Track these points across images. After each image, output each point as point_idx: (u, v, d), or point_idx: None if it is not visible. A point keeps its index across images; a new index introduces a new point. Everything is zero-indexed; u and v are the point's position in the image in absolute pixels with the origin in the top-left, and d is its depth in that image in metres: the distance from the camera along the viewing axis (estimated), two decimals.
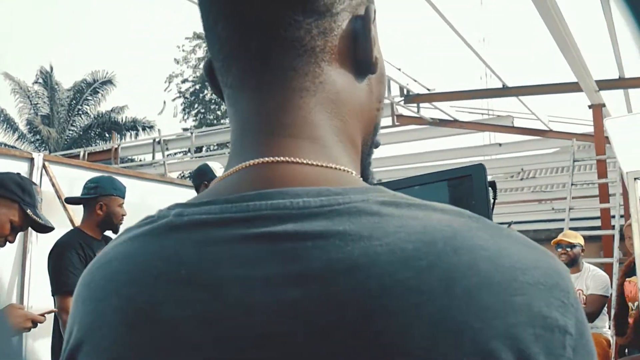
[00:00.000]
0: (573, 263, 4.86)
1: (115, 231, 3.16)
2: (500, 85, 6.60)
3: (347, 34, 0.53)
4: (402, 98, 7.28)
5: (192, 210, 0.49)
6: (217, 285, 0.45)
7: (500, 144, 9.77)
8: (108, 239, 3.20)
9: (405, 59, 7.65)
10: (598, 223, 6.76)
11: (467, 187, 1.08)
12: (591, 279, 4.79)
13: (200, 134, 10.00)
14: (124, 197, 3.14)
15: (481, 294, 0.41)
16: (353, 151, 0.54)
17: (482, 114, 8.82)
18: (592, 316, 4.68)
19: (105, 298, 0.50)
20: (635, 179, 3.88)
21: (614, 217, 6.00)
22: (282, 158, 0.50)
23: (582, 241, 5.00)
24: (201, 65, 23.03)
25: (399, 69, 6.98)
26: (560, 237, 5.03)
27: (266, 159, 0.50)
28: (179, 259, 0.47)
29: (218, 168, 3.89)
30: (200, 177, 3.84)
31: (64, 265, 2.77)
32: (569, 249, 4.90)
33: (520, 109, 8.36)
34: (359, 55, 0.53)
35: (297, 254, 0.44)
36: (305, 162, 0.50)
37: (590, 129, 8.78)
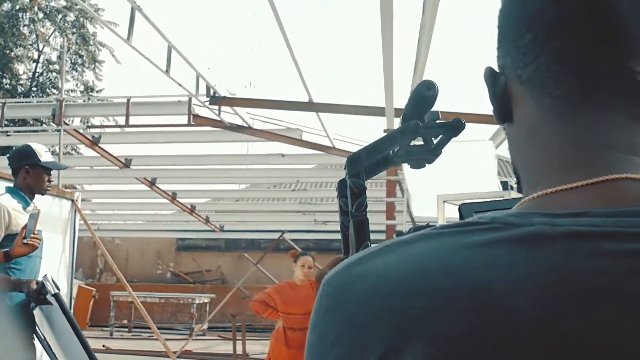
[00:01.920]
0: None
1: None
2: (306, 99, 6.87)
3: None
4: (208, 99, 7.17)
5: (565, 220, 0.48)
6: (623, 298, 0.44)
7: (283, 155, 10.13)
8: None
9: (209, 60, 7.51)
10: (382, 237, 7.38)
11: None
12: None
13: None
14: None
15: None
16: None
17: (274, 124, 9.06)
18: None
19: (474, 309, 0.45)
20: (444, 201, 4.36)
21: (402, 233, 6.61)
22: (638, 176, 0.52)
23: None
24: None
25: (208, 69, 6.88)
26: None
27: (623, 175, 0.52)
28: (571, 270, 0.46)
29: (44, 152, 3.45)
30: (22, 160, 3.36)
31: None
32: None
33: (310, 124, 8.78)
34: None
35: None
36: None
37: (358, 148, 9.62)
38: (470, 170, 5.71)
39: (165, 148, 12.94)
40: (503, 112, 0.60)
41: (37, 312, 3.33)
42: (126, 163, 10.17)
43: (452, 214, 4.52)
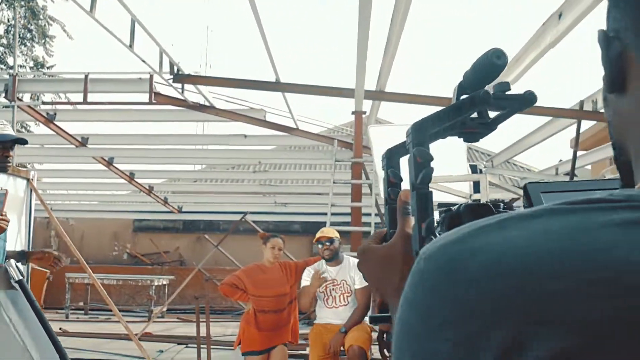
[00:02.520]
0: (335, 256, 5.16)
1: None
2: (273, 79, 6.75)
3: None
4: (172, 76, 6.96)
5: None
6: None
7: (245, 136, 9.99)
8: None
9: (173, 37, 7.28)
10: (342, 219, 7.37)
11: None
12: (355, 270, 5.10)
13: None
14: None
15: None
16: None
17: (238, 104, 8.89)
18: (368, 307, 5.08)
19: (620, 294, 0.41)
20: None
21: (369, 214, 6.63)
22: None
23: (338, 235, 5.32)
24: None
25: (172, 45, 6.67)
26: (319, 234, 5.21)
27: None
28: None
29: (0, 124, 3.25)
30: None
31: None
32: (329, 244, 5.12)
33: (273, 105, 8.67)
34: None
35: None
36: None
37: (321, 130, 9.68)
38: (439, 155, 5.74)
39: (123, 127, 12.59)
40: (615, 81, 0.55)
41: (1, 295, 3.18)
42: (82, 142, 9.86)
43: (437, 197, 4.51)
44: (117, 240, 17.12)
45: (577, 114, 6.35)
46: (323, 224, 16.47)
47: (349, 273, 5.12)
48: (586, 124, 8.30)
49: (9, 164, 3.22)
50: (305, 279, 5.13)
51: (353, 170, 7.12)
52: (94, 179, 12.74)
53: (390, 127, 6.15)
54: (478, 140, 1.03)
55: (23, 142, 3.29)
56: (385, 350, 4.97)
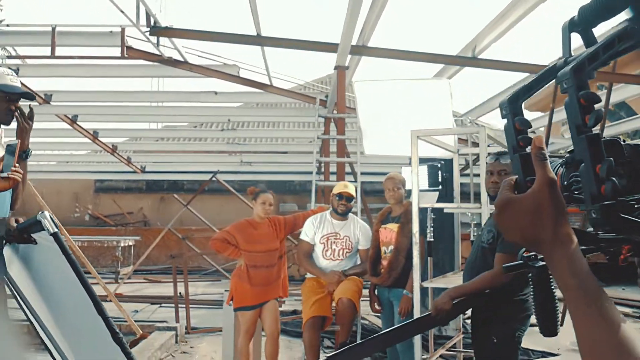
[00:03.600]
0: (347, 213, 5.14)
1: None
2: (254, 33, 6.59)
3: None
4: (149, 28, 6.70)
5: None
6: None
7: (216, 92, 9.79)
8: None
9: None
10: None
11: None
12: (361, 231, 5.10)
13: None
14: None
15: None
16: None
17: (211, 59, 8.68)
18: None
19: None
20: (417, 137, 4.36)
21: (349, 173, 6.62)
22: None
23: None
24: None
25: None
26: (341, 188, 5.11)
27: None
28: None
29: (5, 74, 3.08)
30: None
31: None
32: (348, 202, 5.05)
33: (245, 59, 8.46)
34: None
35: None
36: None
37: (291, 86, 9.59)
38: (424, 107, 5.74)
39: (89, 83, 12.17)
40: None
41: (6, 252, 3.05)
42: (46, 99, 9.49)
43: (423, 152, 4.53)
44: (78, 201, 16.72)
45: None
46: (290, 183, 16.27)
47: (353, 230, 5.08)
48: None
49: (16, 116, 3.05)
50: (307, 230, 5.13)
51: (337, 125, 7.11)
52: (56, 138, 12.33)
53: (376, 83, 6.12)
54: (593, 77, 0.99)
55: (30, 97, 3.11)
56: (375, 304, 5.03)
